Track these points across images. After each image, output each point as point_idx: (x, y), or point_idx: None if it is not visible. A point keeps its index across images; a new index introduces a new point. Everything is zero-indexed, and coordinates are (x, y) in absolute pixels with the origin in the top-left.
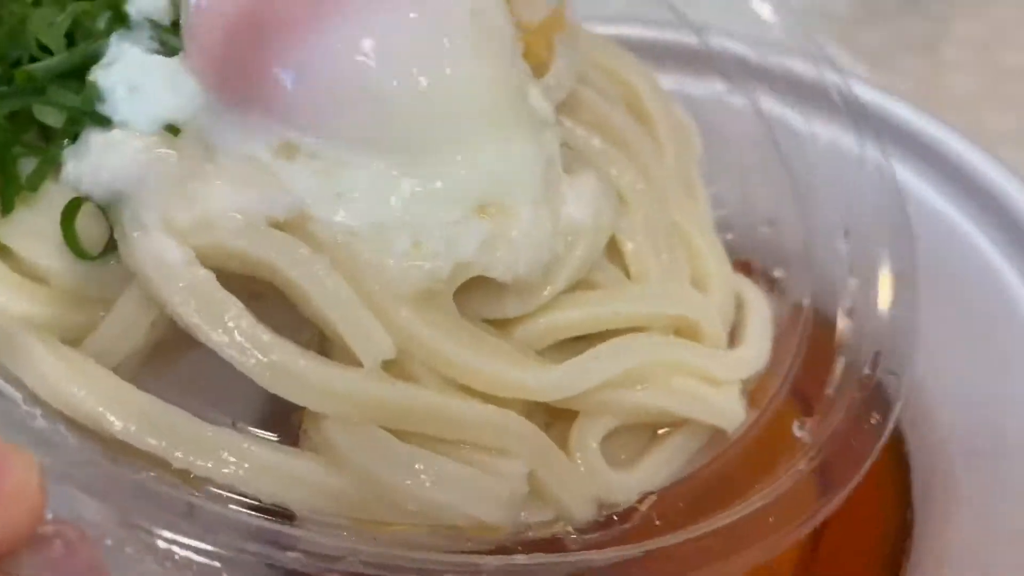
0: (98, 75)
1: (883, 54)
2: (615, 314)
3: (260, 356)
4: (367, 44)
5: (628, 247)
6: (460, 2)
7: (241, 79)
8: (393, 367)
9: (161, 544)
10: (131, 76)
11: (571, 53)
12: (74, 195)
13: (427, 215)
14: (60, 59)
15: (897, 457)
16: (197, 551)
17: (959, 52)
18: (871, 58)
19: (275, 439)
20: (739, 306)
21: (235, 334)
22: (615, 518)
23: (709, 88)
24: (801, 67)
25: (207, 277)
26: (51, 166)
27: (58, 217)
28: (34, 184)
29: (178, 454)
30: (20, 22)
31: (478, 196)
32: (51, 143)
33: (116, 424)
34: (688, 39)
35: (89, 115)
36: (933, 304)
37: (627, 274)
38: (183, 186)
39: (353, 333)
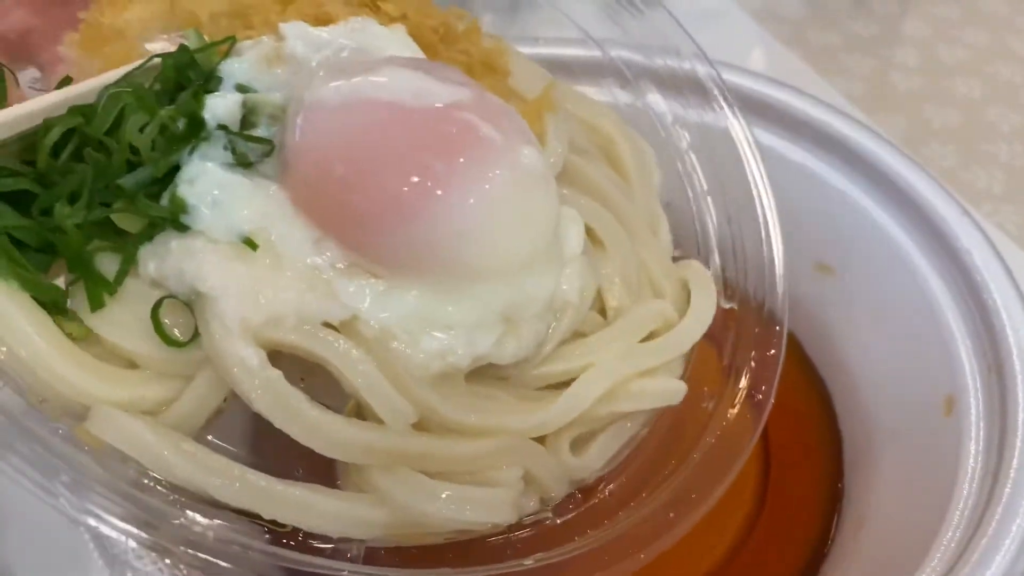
0: (184, 191)
1: (832, 55)
2: (593, 363)
3: (321, 434)
4: (443, 209)
5: (606, 291)
6: (520, 173)
7: (328, 215)
8: (418, 425)
9: None
10: (213, 193)
11: (560, 124)
12: (160, 293)
13: (455, 324)
14: (146, 172)
15: (831, 435)
16: None
17: (905, 51)
18: (820, 59)
19: (331, 488)
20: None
21: (301, 419)
22: (580, 497)
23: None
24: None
25: (278, 377)
26: (131, 266)
27: (139, 308)
28: (119, 283)
29: (267, 509)
30: (117, 123)
31: (500, 313)
32: (128, 243)
33: (218, 489)
34: (591, 53)
35: (171, 223)
36: (858, 298)
37: (603, 310)
38: (257, 294)
39: (380, 405)
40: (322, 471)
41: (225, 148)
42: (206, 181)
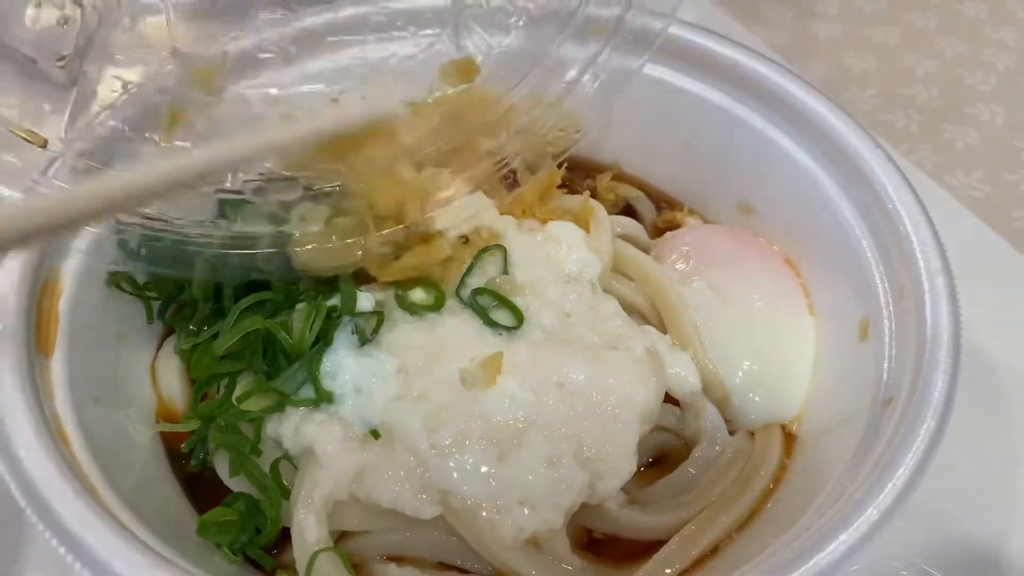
0: (331, 385)
1: (754, 5)
2: None
3: None
4: None
5: None
6: None
7: None
8: None
9: None
10: (356, 382)
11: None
12: (278, 453)
13: (536, 485)
14: (300, 371)
15: None
16: None
17: (825, 1)
18: (743, 10)
19: None
20: None
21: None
22: None
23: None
24: None
25: (333, 559)
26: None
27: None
28: (255, 453)
29: None
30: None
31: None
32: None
33: None
34: None
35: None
36: (778, 235)
37: None
38: (362, 476)
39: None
40: None
41: (352, 332)
42: (348, 373)
